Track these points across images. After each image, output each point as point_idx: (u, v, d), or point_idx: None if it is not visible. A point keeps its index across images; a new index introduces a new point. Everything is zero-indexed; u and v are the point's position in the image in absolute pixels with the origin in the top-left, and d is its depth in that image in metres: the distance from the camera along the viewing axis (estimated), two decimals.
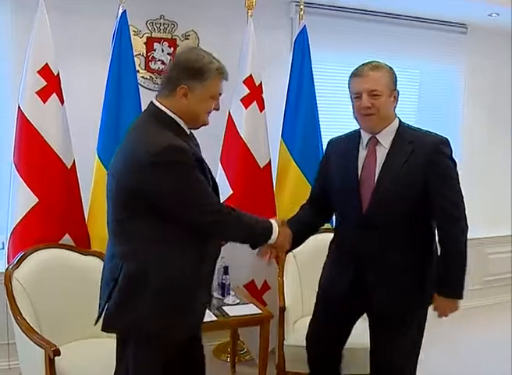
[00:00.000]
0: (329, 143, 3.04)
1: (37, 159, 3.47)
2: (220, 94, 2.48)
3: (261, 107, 4.02)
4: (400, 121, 2.79)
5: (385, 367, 2.87)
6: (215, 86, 2.42)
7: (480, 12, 4.93)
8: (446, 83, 5.49)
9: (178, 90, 2.36)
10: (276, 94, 4.19)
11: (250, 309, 3.58)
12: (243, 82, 3.94)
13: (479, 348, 4.56)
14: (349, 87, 2.78)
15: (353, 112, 2.78)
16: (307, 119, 4.12)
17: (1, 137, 3.86)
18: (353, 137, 2.87)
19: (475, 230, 5.25)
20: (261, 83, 4.01)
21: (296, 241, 2.91)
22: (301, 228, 2.95)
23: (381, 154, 2.73)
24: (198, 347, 2.76)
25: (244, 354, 4.33)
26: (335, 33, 4.74)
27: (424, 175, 2.63)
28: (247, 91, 3.95)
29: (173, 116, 2.38)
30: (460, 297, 2.69)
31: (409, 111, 5.30)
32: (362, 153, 2.79)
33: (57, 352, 2.75)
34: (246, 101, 3.97)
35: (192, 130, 2.52)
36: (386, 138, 2.73)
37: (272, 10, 4.51)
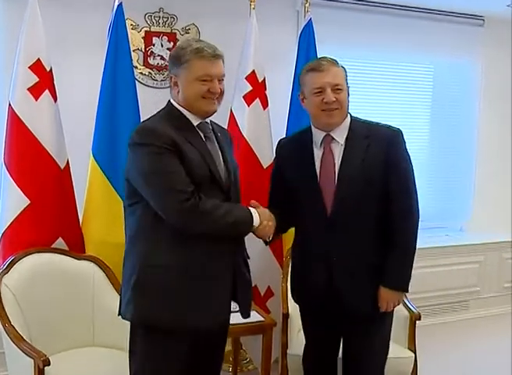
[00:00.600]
0: (279, 145, 3.03)
1: (29, 159, 3.45)
2: (215, 76, 2.54)
3: (265, 104, 3.98)
4: (351, 116, 2.81)
5: (357, 371, 2.90)
6: (196, 66, 2.50)
7: (497, 3, 4.85)
8: (461, 79, 5.43)
9: (171, 81, 2.59)
10: (280, 91, 4.15)
11: (253, 317, 3.49)
12: (246, 78, 3.90)
13: (499, 357, 4.52)
14: (303, 83, 2.78)
15: (310, 110, 2.77)
16: None
17: None
18: (304, 137, 2.86)
19: (492, 233, 5.27)
20: (264, 79, 3.97)
21: (280, 227, 2.83)
22: (281, 216, 2.81)
23: (337, 151, 2.75)
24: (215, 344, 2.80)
25: (247, 363, 4.29)
26: (342, 27, 4.68)
27: (384, 169, 2.68)
28: (249, 87, 3.91)
29: (180, 108, 2.56)
30: (406, 290, 2.78)
31: (422, 108, 5.25)
32: (317, 153, 2.79)
33: (46, 362, 2.73)
34: (248, 98, 3.93)
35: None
36: (341, 135, 2.75)
37: (276, 2, 4.48)
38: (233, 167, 2.71)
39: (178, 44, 2.70)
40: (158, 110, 2.64)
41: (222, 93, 2.61)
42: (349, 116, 2.79)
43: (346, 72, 2.78)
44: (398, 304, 2.80)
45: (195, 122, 2.58)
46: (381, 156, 2.68)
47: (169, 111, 2.58)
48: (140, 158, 2.44)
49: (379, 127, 2.81)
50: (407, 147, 2.78)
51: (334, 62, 2.73)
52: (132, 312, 2.51)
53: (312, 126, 2.83)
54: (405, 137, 2.78)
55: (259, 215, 2.61)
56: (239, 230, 2.60)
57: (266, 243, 2.78)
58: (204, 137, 2.60)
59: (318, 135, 2.78)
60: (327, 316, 2.89)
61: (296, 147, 2.88)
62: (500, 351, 4.63)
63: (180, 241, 2.46)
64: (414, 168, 2.78)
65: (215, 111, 2.64)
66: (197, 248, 2.48)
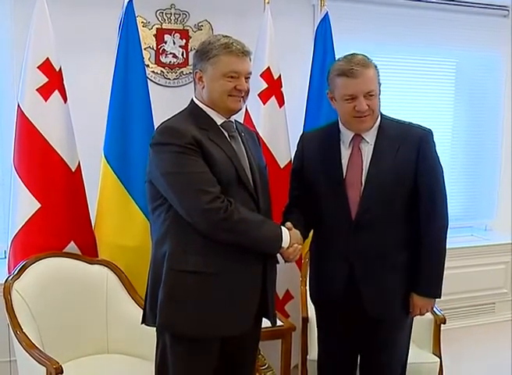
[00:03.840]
0: (302, 139, 2.98)
1: (39, 162, 3.45)
2: (242, 73, 2.52)
3: (281, 102, 3.96)
4: (381, 114, 2.76)
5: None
6: (224, 62, 2.48)
7: None
8: (485, 72, 5.35)
9: (196, 77, 2.56)
10: (297, 88, 4.14)
11: None
12: (261, 75, 3.87)
13: (504, 365, 4.47)
14: (333, 85, 2.71)
15: (340, 114, 2.75)
16: (330, 115, 4.02)
17: (0, 139, 3.86)
18: (331, 133, 2.82)
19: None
20: (279, 76, 3.95)
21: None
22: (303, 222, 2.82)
23: (366, 151, 2.71)
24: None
25: (266, 370, 4.25)
26: (360, 21, 4.65)
27: (414, 170, 2.65)
28: (264, 85, 3.89)
29: (203, 107, 2.55)
30: (438, 296, 2.77)
31: (445, 103, 5.20)
32: (345, 152, 2.75)
33: (59, 370, 2.72)
34: (264, 96, 3.91)
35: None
36: (371, 134, 2.71)
37: None
38: (260, 168, 2.68)
39: (206, 38, 2.62)
40: (180, 110, 2.62)
41: (248, 91, 2.58)
42: (379, 114, 2.75)
43: (377, 69, 2.68)
44: (431, 310, 2.85)
45: (219, 121, 2.55)
46: (411, 157, 2.65)
47: (192, 110, 2.57)
48: (162, 158, 2.42)
49: (410, 127, 2.76)
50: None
51: (366, 64, 2.62)
52: (158, 319, 2.49)
53: (340, 124, 2.78)
54: None
55: (290, 236, 2.57)
56: (266, 247, 2.54)
57: (286, 261, 2.70)
58: (229, 136, 2.57)
59: (346, 134, 2.75)
60: (345, 321, 2.86)
61: (321, 143, 2.83)
62: (502, 357, 4.58)
63: (209, 246, 2.42)
64: (443, 170, 2.75)
65: (240, 109, 2.63)
66: (227, 254, 2.44)
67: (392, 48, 4.84)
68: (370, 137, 2.71)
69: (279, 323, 3.47)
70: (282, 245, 2.53)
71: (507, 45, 5.27)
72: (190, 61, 4.24)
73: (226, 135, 2.56)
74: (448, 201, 2.74)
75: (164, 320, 2.48)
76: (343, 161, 2.73)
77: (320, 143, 2.84)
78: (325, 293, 2.90)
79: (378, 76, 2.69)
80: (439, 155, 2.74)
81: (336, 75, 2.66)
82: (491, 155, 5.41)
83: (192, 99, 2.61)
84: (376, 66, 2.68)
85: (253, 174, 2.59)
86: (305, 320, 3.48)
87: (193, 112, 2.55)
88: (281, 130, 3.96)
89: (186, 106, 2.63)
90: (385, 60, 4.84)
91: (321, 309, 3.01)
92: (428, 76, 5.13)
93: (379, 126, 2.72)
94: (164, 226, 2.48)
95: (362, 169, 2.68)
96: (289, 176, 3.05)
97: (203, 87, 2.53)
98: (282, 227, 2.57)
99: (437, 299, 2.80)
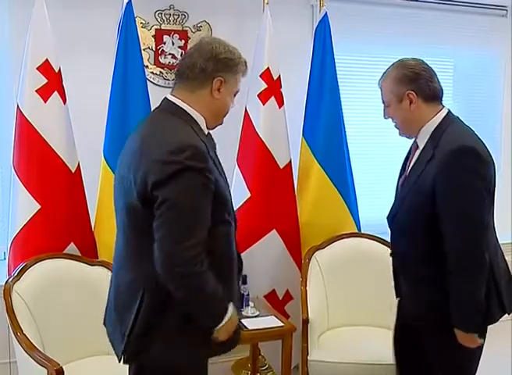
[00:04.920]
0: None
1: (39, 163, 3.45)
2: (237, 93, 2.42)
3: (280, 103, 3.96)
4: (444, 117, 2.65)
5: None
6: (239, 81, 2.37)
7: None
8: (483, 72, 5.34)
9: (214, 82, 2.25)
10: (296, 89, 4.12)
11: (271, 322, 3.52)
12: (260, 76, 3.87)
13: (503, 367, 4.44)
14: None
15: None
16: (330, 115, 4.05)
17: (0, 140, 3.84)
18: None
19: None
20: (279, 76, 3.94)
21: None
22: None
23: (416, 155, 2.70)
24: None
25: (266, 370, 4.27)
26: (359, 21, 4.64)
27: (433, 186, 2.50)
28: (264, 85, 3.89)
29: (194, 113, 2.25)
30: (470, 330, 2.50)
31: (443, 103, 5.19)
32: (412, 152, 2.79)
33: (60, 372, 2.72)
34: (263, 97, 3.90)
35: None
36: (423, 140, 2.65)
37: None
38: None
39: (225, 46, 2.29)
40: (157, 111, 2.36)
41: None
42: (438, 118, 2.63)
43: (401, 75, 2.62)
44: (474, 344, 2.54)
45: (205, 130, 2.33)
46: (434, 171, 2.49)
47: (184, 117, 2.23)
48: (179, 185, 2.05)
49: (452, 137, 2.56)
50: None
51: (385, 75, 2.71)
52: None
53: None
54: None
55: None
56: (206, 313, 2.23)
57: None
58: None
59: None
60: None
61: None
62: (501, 358, 4.53)
63: None
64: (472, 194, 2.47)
65: None
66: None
67: (390, 48, 4.80)
68: (421, 141, 2.65)
69: (279, 323, 3.48)
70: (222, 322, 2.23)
71: (506, 44, 5.26)
72: None
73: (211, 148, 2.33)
74: (480, 229, 2.48)
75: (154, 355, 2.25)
76: (408, 162, 2.79)
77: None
78: None
79: (400, 83, 2.62)
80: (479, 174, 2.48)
81: None
82: None
83: (171, 101, 2.29)
84: (399, 71, 2.64)
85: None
86: (305, 322, 3.47)
87: (187, 120, 2.23)
88: (280, 130, 3.96)
89: (158, 108, 2.35)
90: (384, 60, 4.81)
91: None
92: None
93: (433, 131, 2.61)
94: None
95: (407, 173, 2.74)
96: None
97: (217, 98, 2.27)
98: (230, 306, 2.28)
99: None
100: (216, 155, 2.35)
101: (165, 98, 2.34)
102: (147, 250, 2.12)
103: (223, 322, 2.22)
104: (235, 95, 2.39)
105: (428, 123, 2.62)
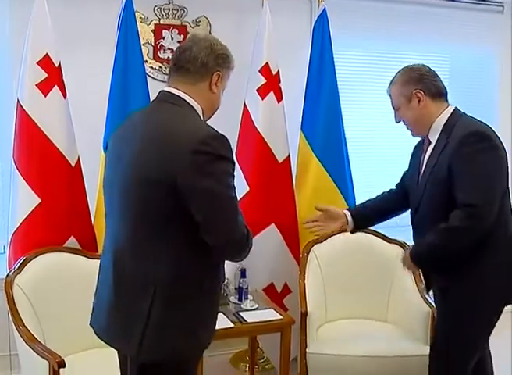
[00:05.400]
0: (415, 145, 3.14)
1: (39, 157, 3.45)
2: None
3: (279, 97, 3.95)
4: (452, 113, 2.79)
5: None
6: (229, 77, 2.40)
7: None
8: (479, 69, 5.33)
9: (213, 76, 2.28)
10: (295, 84, 4.12)
11: (270, 315, 3.52)
12: (259, 71, 3.87)
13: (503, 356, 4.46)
14: None
15: None
16: (328, 110, 4.05)
17: (1, 134, 3.83)
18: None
19: None
20: (278, 71, 3.94)
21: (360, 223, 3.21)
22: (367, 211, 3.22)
23: (429, 150, 2.83)
24: None
25: (264, 363, 4.28)
26: (357, 17, 4.63)
27: (449, 172, 2.64)
28: (263, 80, 3.89)
29: (194, 104, 2.26)
30: (415, 261, 2.81)
31: None
32: (423, 152, 2.90)
33: (61, 364, 2.72)
34: (262, 92, 3.90)
35: None
36: (433, 135, 2.81)
37: None
38: None
39: (219, 41, 2.33)
40: (156, 102, 2.33)
41: None
42: (446, 113, 2.79)
43: (408, 77, 2.83)
44: (408, 268, 2.92)
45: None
46: (448, 157, 2.64)
47: (191, 109, 2.25)
48: (217, 176, 2.07)
49: (464, 125, 2.71)
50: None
51: (393, 81, 2.88)
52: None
53: None
54: None
55: None
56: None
57: None
58: None
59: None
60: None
61: (419, 144, 3.02)
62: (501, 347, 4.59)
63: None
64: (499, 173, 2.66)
65: None
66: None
67: (388, 44, 4.82)
68: (433, 137, 2.81)
69: (278, 316, 3.49)
70: None
71: (502, 41, 5.25)
72: None
73: None
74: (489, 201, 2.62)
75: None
76: (421, 161, 2.89)
77: (419, 146, 3.03)
78: None
79: (407, 84, 2.81)
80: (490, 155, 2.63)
81: None
82: None
83: (180, 96, 2.25)
84: (406, 73, 2.85)
85: None
86: (304, 315, 3.47)
87: (191, 110, 2.25)
88: (279, 124, 3.96)
89: (157, 99, 2.33)
90: (381, 55, 4.84)
91: None
92: None
93: (443, 127, 2.77)
94: (175, 246, 2.15)
95: (422, 168, 2.85)
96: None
97: (214, 91, 2.30)
98: None
99: None
100: None
101: (163, 90, 2.31)
102: (161, 243, 2.13)
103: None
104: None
105: (437, 119, 2.79)
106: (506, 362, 4.29)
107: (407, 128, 2.90)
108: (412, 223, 2.95)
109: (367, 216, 3.22)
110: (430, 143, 2.82)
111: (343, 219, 3.18)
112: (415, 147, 3.08)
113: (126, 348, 2.28)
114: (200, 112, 2.28)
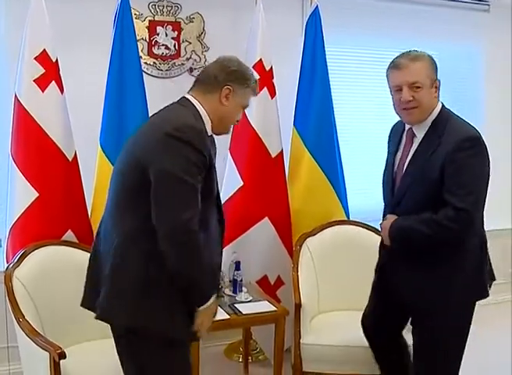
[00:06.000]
0: (392, 128, 3.09)
1: (36, 152, 3.43)
2: (246, 107, 2.61)
3: (272, 93, 3.96)
4: (440, 110, 2.76)
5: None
6: (249, 97, 2.56)
7: None
8: (466, 65, 5.37)
9: (223, 89, 2.45)
10: (288, 80, 4.12)
11: (265, 306, 3.53)
12: (253, 67, 3.83)
13: (503, 345, 4.53)
14: (387, 79, 2.81)
15: (394, 106, 2.81)
16: (320, 106, 4.05)
17: None
18: (402, 125, 2.93)
19: (499, 221, 5.25)
20: (271, 67, 3.95)
21: None
22: None
23: (414, 145, 2.79)
24: None
25: (257, 354, 4.29)
26: (349, 14, 4.65)
27: (440, 175, 2.63)
28: (256, 76, 3.87)
29: (202, 112, 2.45)
30: (392, 232, 2.76)
31: None
32: (402, 144, 2.87)
33: (62, 355, 2.71)
34: None
35: None
36: (421, 129, 2.76)
37: None
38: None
39: (240, 62, 2.54)
40: (173, 104, 2.49)
41: None
42: (437, 110, 2.75)
43: (435, 64, 2.73)
44: (386, 240, 2.84)
45: (208, 132, 2.49)
46: (441, 159, 2.62)
47: (194, 113, 2.42)
48: (175, 156, 2.23)
49: (457, 126, 2.71)
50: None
51: (414, 57, 2.68)
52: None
53: None
54: None
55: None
56: (195, 288, 2.37)
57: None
58: None
59: (406, 127, 2.86)
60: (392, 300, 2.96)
61: (395, 132, 2.97)
62: (501, 337, 4.67)
63: None
64: (487, 179, 2.68)
65: None
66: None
67: (378, 41, 4.83)
68: (420, 131, 2.76)
69: (272, 308, 3.50)
70: (207, 301, 2.39)
71: (488, 39, 5.29)
72: (182, 52, 4.25)
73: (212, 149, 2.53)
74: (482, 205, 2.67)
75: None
76: (398, 152, 2.87)
77: (395, 132, 2.98)
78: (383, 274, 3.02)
79: (434, 70, 2.72)
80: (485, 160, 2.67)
81: (388, 68, 2.80)
82: None
83: (188, 99, 2.46)
84: (433, 60, 2.74)
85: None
86: (298, 306, 3.48)
87: (195, 114, 2.43)
88: (272, 120, 3.96)
89: (177, 102, 2.50)
90: (371, 52, 4.85)
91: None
92: None
93: (433, 122, 2.73)
94: (136, 218, 2.32)
95: (405, 163, 2.79)
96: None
97: (224, 104, 2.45)
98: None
99: None
100: (214, 158, 2.50)
101: (183, 96, 2.51)
102: (127, 213, 2.36)
103: (209, 302, 2.38)
104: (244, 109, 2.59)
105: (430, 115, 2.74)
106: (506, 342, 4.42)
107: (409, 108, 2.70)
108: (391, 212, 2.84)
109: None
110: (414, 136, 2.78)
111: None
112: (391, 133, 3.05)
113: (92, 309, 2.46)
114: (205, 116, 2.45)
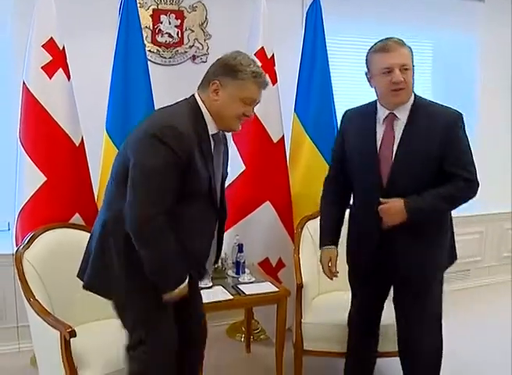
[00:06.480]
0: (344, 115, 3.09)
1: (44, 137, 3.45)
2: (255, 102, 2.57)
3: (274, 80, 3.97)
4: (415, 95, 2.85)
5: (415, 335, 2.99)
6: (248, 89, 2.48)
7: None
8: (461, 55, 5.37)
9: (210, 85, 2.47)
10: (289, 67, 4.13)
11: (267, 287, 3.57)
12: (255, 54, 3.85)
13: (496, 326, 4.58)
14: (370, 63, 2.82)
15: (378, 89, 2.82)
16: (320, 93, 4.07)
17: (7, 114, 3.80)
18: (369, 111, 2.92)
19: (494, 204, 5.29)
20: (273, 55, 3.96)
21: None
22: (339, 227, 3.17)
23: (398, 129, 2.81)
24: None
25: (259, 333, 4.33)
26: (349, 3, 4.63)
27: (440, 151, 2.73)
28: (258, 64, 3.88)
29: (205, 112, 2.49)
30: (409, 214, 2.75)
31: (422, 84, 5.21)
32: (380, 129, 2.86)
33: (73, 334, 2.74)
34: None
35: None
36: (403, 113, 2.81)
37: None
38: (223, 178, 2.78)
39: (236, 55, 2.49)
40: (182, 100, 2.55)
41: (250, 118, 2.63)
42: (413, 95, 2.83)
43: (412, 51, 2.79)
44: (393, 222, 2.79)
45: (212, 131, 2.53)
46: (439, 137, 2.72)
47: (194, 110, 2.49)
48: (153, 154, 2.35)
49: (441, 108, 2.84)
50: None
51: (401, 43, 2.76)
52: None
53: (378, 103, 2.88)
54: None
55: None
56: (161, 274, 2.49)
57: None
58: (214, 147, 2.58)
59: (382, 112, 2.85)
60: (378, 279, 3.02)
61: (360, 119, 2.96)
62: (499, 317, 4.72)
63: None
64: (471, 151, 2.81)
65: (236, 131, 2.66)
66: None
67: (375, 29, 4.79)
68: (403, 114, 2.81)
69: (274, 289, 3.54)
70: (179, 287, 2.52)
71: (482, 28, 5.28)
72: (185, 40, 4.26)
73: (212, 147, 2.56)
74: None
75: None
76: (377, 137, 2.84)
77: (359, 120, 2.97)
78: (360, 257, 3.05)
79: (413, 56, 2.78)
80: (468, 136, 2.82)
81: (372, 52, 2.80)
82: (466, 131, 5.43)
83: (194, 97, 2.53)
84: (411, 49, 2.79)
85: (221, 185, 2.72)
86: (299, 287, 3.52)
87: (195, 113, 2.49)
88: (274, 106, 3.98)
89: (186, 98, 2.56)
90: (369, 40, 4.83)
91: (356, 270, 3.14)
92: None
93: (413, 105, 2.82)
94: (122, 202, 2.45)
95: (393, 145, 2.80)
96: (331, 154, 3.19)
97: (215, 99, 2.47)
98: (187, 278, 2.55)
99: None
100: (210, 151, 2.53)
101: (193, 94, 2.56)
102: (116, 195, 2.52)
103: (177, 289, 2.50)
104: (251, 104, 2.53)
105: (410, 98, 2.82)
106: (506, 321, 4.48)
107: (399, 89, 2.74)
108: (382, 195, 2.83)
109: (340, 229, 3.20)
110: (394, 119, 2.81)
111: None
112: (345, 119, 3.07)
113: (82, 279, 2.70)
114: (206, 115, 2.50)
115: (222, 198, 2.73)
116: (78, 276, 2.72)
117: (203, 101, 2.50)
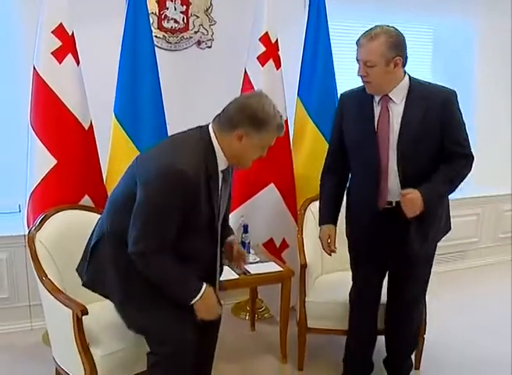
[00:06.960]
0: (342, 97, 3.17)
1: (54, 121, 3.46)
2: (269, 146, 2.59)
3: (278, 65, 3.98)
4: (410, 77, 2.91)
5: (404, 305, 3.21)
6: (270, 139, 2.53)
7: None
8: (461, 40, 5.37)
9: (236, 132, 2.45)
10: (292, 51, 4.13)
11: (272, 267, 3.61)
12: (259, 39, 3.88)
13: (493, 305, 4.63)
14: None
15: None
16: (323, 77, 4.08)
17: (18, 99, 3.81)
18: (366, 93, 2.96)
19: (491, 187, 5.31)
20: (277, 40, 3.95)
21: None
22: (338, 206, 3.23)
23: (395, 110, 2.88)
24: None
25: (263, 312, 4.38)
26: None
27: (440, 127, 2.83)
28: (263, 48, 3.90)
29: (218, 149, 2.51)
30: (426, 203, 2.81)
31: (422, 69, 5.21)
32: (377, 110, 2.93)
33: (85, 311, 2.77)
34: (262, 59, 3.92)
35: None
36: (398, 95, 2.88)
37: None
38: (227, 209, 2.84)
39: (262, 104, 2.46)
40: (195, 130, 2.57)
41: None
42: (407, 77, 2.90)
43: (395, 42, 2.78)
44: (413, 213, 2.84)
45: (222, 166, 2.56)
46: (437, 115, 2.82)
47: (207, 147, 2.51)
48: (159, 194, 2.41)
49: (436, 88, 2.93)
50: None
51: (373, 37, 2.76)
52: None
53: None
54: None
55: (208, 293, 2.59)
56: (169, 291, 2.58)
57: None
58: (222, 180, 2.61)
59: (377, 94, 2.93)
60: (377, 253, 3.11)
61: (358, 101, 3.02)
62: (495, 296, 4.80)
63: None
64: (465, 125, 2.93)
65: None
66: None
67: (376, 15, 4.79)
68: (397, 97, 2.88)
69: (279, 268, 3.57)
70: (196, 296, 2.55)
71: (481, 15, 5.29)
72: (190, 26, 4.26)
73: (220, 180, 2.59)
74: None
75: None
76: (375, 117, 2.91)
77: (357, 101, 3.03)
78: (359, 234, 3.15)
79: (394, 48, 2.78)
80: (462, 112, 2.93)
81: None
82: (465, 115, 5.39)
83: (208, 131, 2.53)
84: (394, 38, 2.78)
85: (224, 217, 2.77)
86: (303, 267, 3.55)
87: (206, 149, 2.50)
88: (278, 90, 3.97)
89: (200, 127, 2.58)
90: (365, 26, 4.81)
91: (356, 247, 3.23)
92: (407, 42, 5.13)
93: (409, 88, 2.88)
94: (125, 214, 2.53)
95: (389, 125, 2.86)
96: (329, 139, 3.30)
97: (236, 144, 2.48)
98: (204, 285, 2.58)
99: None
100: (217, 187, 2.57)
101: (207, 125, 2.56)
102: (120, 207, 2.61)
103: (193, 300, 2.53)
104: (264, 148, 2.58)
105: (401, 82, 2.88)
106: (506, 301, 4.56)
107: (365, 82, 2.89)
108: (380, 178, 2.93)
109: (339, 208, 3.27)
110: (389, 101, 2.87)
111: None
112: (347, 101, 3.12)
113: (80, 276, 2.81)
114: (218, 151, 2.51)
115: (225, 222, 2.83)
116: (77, 270, 2.81)
117: (217, 139, 2.51)
